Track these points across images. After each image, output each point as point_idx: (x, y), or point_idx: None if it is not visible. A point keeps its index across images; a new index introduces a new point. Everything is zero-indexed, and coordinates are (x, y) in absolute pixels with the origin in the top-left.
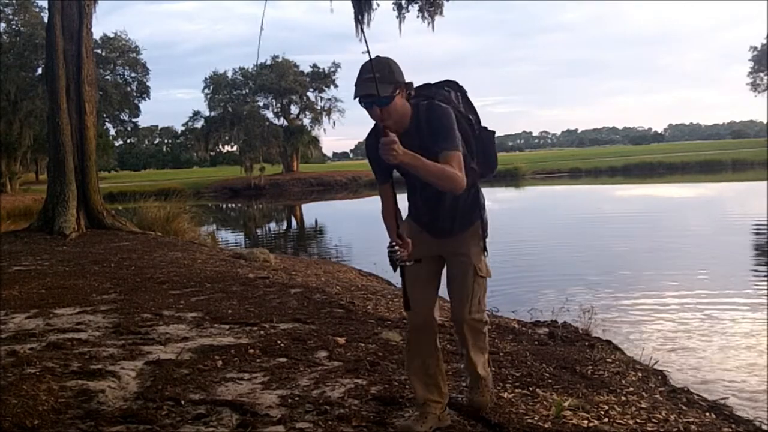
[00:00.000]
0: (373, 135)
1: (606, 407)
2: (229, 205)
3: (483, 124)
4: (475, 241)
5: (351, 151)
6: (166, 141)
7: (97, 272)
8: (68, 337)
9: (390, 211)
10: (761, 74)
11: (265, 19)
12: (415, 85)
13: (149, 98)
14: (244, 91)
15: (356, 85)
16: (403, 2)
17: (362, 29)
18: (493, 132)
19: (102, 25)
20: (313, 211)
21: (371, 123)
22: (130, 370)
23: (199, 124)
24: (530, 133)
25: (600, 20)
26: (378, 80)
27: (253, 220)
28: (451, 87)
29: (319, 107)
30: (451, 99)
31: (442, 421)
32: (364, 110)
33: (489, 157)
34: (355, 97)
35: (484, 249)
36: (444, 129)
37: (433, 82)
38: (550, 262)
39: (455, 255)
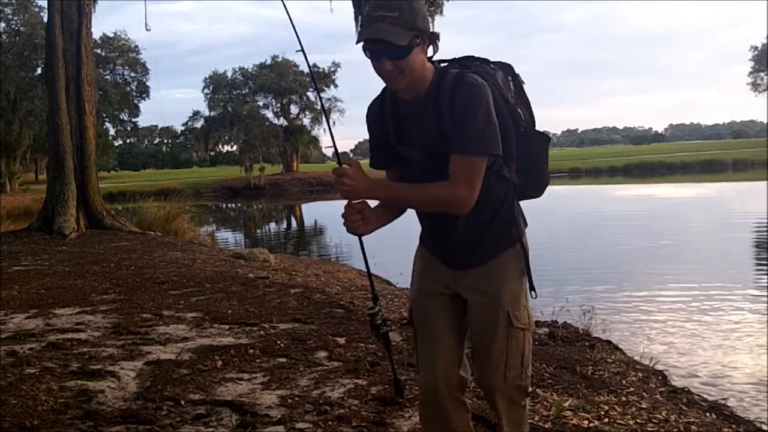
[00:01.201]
0: (379, 104)
1: (606, 407)
2: (229, 205)
3: (537, 128)
4: (509, 274)
5: (351, 150)
6: (165, 141)
7: (96, 272)
8: (68, 337)
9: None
10: (761, 74)
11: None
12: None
13: (149, 98)
14: (243, 91)
15: (362, 25)
16: None
17: None
18: (548, 138)
19: (101, 24)
20: (313, 211)
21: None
22: (129, 371)
23: (198, 124)
24: None
25: (600, 20)
26: (393, 22)
27: (253, 220)
28: (503, 69)
29: (319, 107)
30: (495, 77)
31: None
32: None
33: (535, 168)
34: (358, 41)
35: (531, 287)
36: (469, 119)
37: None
38: (550, 261)
39: (477, 293)
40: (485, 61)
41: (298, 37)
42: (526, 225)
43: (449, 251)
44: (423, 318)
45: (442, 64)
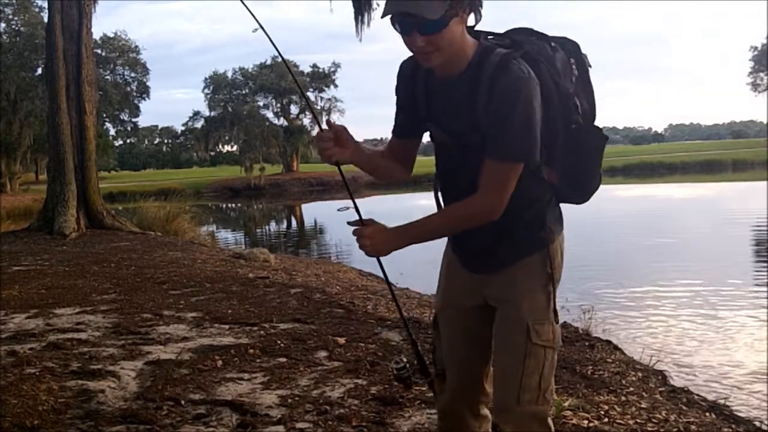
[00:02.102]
0: (412, 65)
1: (606, 407)
2: (229, 205)
3: (595, 123)
4: (532, 282)
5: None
6: (166, 141)
7: (97, 272)
8: (68, 337)
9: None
10: (761, 74)
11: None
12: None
13: (149, 98)
14: (244, 91)
15: None
16: None
17: None
18: (604, 137)
19: (102, 24)
20: (312, 211)
21: (372, 122)
22: (130, 370)
23: (199, 124)
24: None
25: (600, 20)
26: None
27: (253, 220)
28: (564, 47)
29: (319, 107)
30: (552, 60)
31: None
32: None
33: (584, 170)
34: (383, 15)
35: (554, 310)
36: (506, 118)
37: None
38: None
39: (500, 302)
40: (544, 37)
41: (274, 44)
42: (561, 230)
43: (467, 253)
44: (443, 330)
45: (490, 37)
